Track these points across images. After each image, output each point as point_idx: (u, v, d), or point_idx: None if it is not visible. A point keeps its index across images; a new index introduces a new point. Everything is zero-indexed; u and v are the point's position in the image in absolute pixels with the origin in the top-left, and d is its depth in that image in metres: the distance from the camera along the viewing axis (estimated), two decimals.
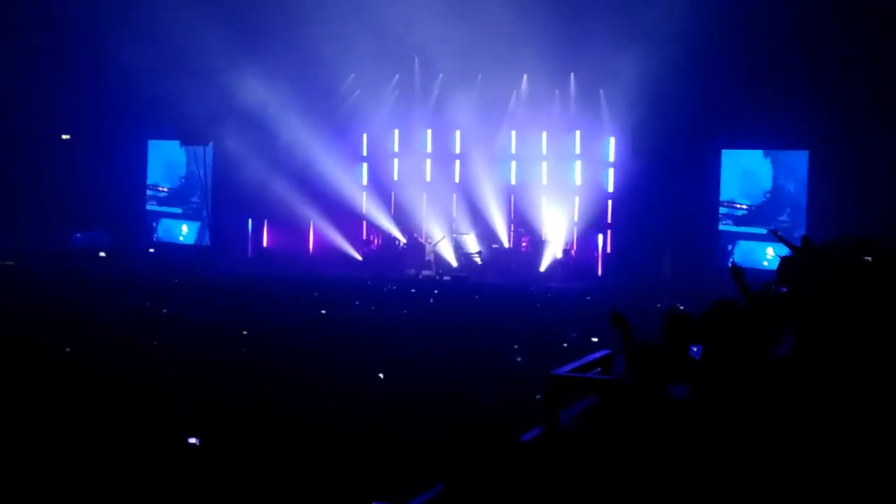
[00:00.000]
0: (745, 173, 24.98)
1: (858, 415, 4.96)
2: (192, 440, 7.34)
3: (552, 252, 26.03)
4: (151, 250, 29.68)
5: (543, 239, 26.58)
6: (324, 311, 16.71)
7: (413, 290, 21.40)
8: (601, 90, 25.71)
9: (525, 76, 26.53)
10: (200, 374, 10.36)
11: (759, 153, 24.86)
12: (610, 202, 26.40)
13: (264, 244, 29.33)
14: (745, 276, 8.55)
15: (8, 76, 28.33)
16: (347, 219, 28.00)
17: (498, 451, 4.11)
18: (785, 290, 8.73)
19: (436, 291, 21.32)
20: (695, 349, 5.88)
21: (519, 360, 12.09)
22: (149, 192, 31.21)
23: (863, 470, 4.57)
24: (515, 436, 4.82)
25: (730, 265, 8.56)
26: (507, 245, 26.94)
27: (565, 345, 13.09)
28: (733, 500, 4.56)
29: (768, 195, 24.56)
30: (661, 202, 24.59)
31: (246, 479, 6.60)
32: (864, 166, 22.02)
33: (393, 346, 12.85)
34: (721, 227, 24.93)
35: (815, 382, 5.34)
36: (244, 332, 13.87)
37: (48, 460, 6.79)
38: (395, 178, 28.53)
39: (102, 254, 28.03)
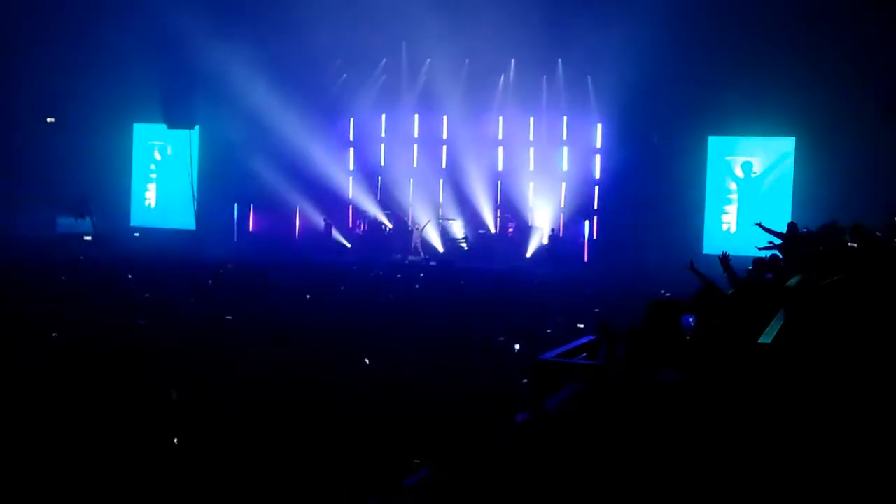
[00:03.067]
0: None
1: (845, 399, 4.97)
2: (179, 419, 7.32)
3: (538, 238, 26.07)
4: (137, 234, 29.51)
5: (530, 224, 26.60)
6: (308, 297, 16.66)
7: (399, 276, 21.37)
8: (589, 76, 25.70)
9: (513, 62, 26.47)
10: (186, 363, 10.30)
11: None
12: (597, 188, 26.44)
13: (250, 229, 29.23)
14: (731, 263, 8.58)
15: None
16: (334, 204, 27.96)
17: (491, 435, 4.10)
18: (770, 276, 8.75)
19: (422, 275, 21.30)
20: (690, 320, 5.87)
21: (505, 344, 12.07)
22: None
23: (849, 453, 4.58)
24: (509, 419, 4.81)
25: (720, 255, 8.57)
26: (493, 230, 26.96)
27: (549, 331, 13.09)
28: (721, 486, 4.56)
29: None
30: (647, 188, 24.62)
31: (234, 470, 6.57)
32: (850, 154, 22.08)
33: (378, 332, 12.81)
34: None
35: (802, 368, 5.35)
36: (227, 318, 13.80)
37: (44, 445, 6.77)
38: (382, 163, 28.46)
39: (87, 237, 27.85)
